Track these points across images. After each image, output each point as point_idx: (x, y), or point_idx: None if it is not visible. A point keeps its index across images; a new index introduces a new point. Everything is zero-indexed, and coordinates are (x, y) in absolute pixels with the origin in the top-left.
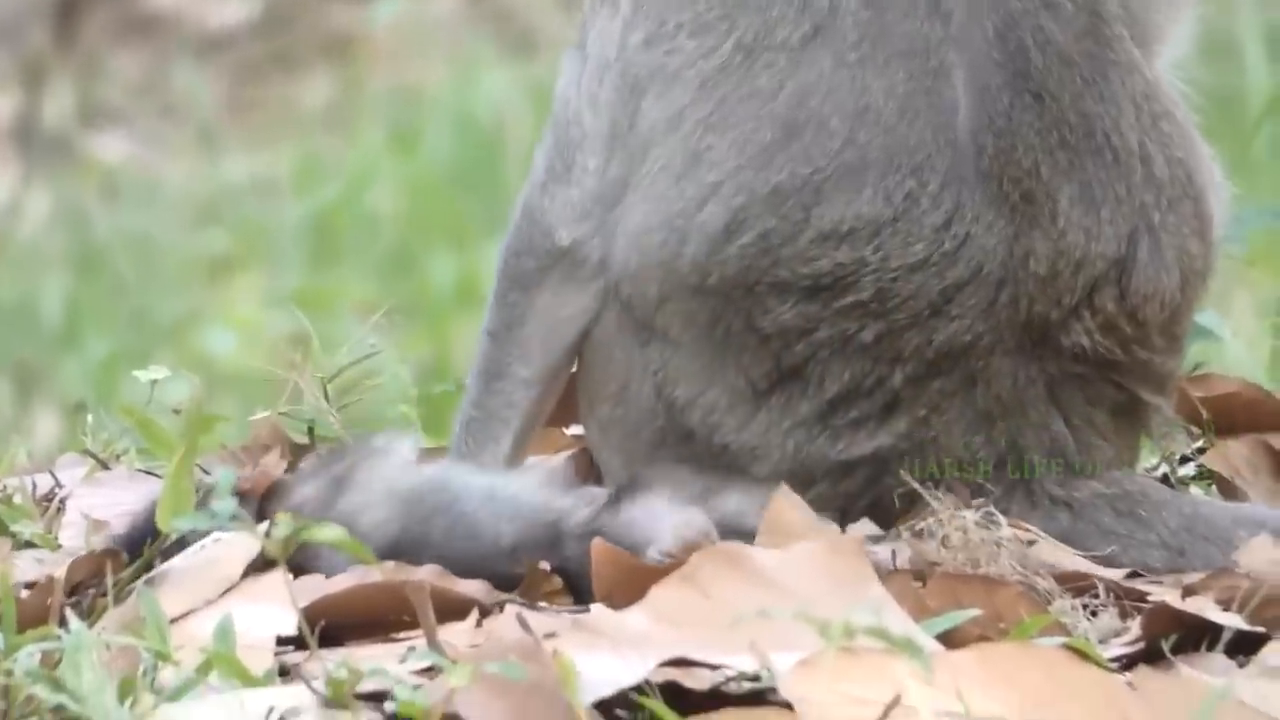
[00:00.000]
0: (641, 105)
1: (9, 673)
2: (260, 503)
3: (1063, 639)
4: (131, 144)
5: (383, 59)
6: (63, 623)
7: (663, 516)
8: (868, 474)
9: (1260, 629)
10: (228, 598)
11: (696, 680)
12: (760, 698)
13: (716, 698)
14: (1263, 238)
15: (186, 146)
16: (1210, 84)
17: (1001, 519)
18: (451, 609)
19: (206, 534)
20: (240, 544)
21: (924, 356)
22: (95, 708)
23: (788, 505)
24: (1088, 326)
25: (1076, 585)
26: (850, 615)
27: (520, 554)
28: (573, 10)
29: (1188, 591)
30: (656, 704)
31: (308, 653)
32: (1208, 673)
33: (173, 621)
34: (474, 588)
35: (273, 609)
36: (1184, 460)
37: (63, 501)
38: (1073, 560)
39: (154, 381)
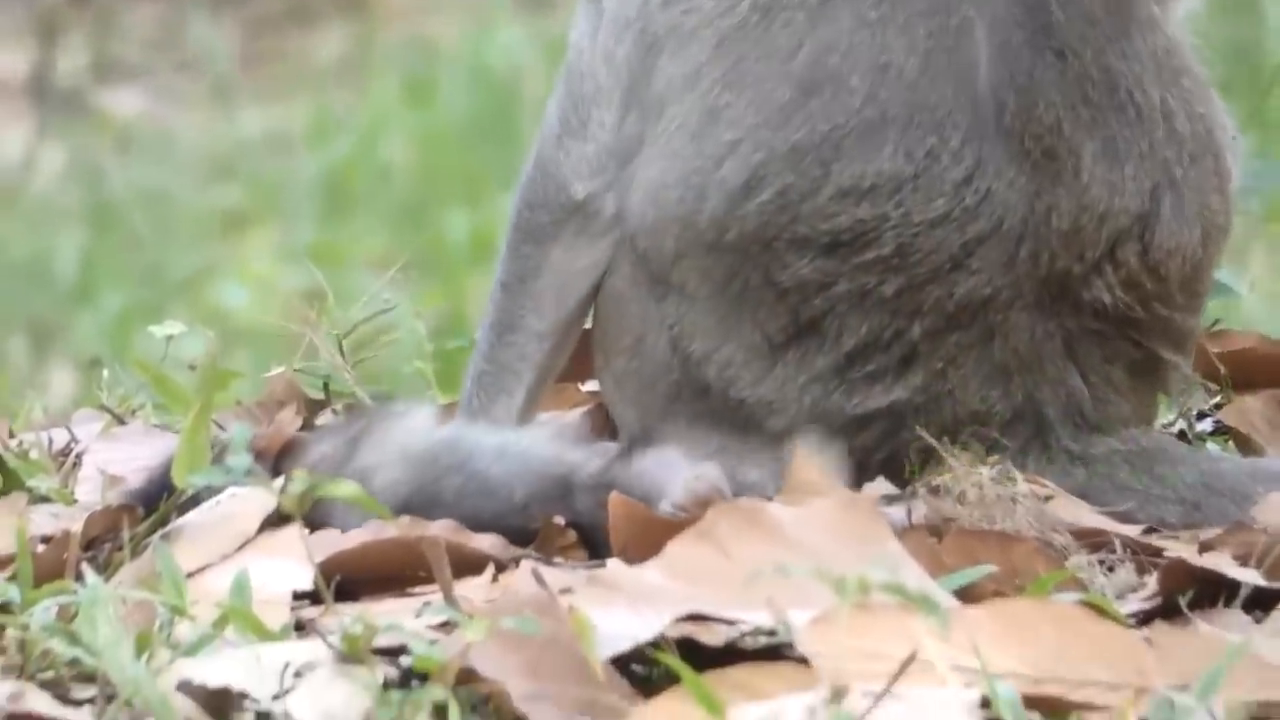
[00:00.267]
0: (658, 63)
1: (25, 627)
2: (276, 460)
3: (1079, 595)
4: (145, 99)
5: (397, 12)
6: (79, 577)
7: (676, 469)
8: (884, 428)
9: (1277, 585)
10: (243, 553)
11: (712, 635)
12: (776, 653)
13: (732, 653)
14: None
15: (200, 101)
16: (1227, 38)
17: (1018, 475)
18: (467, 564)
19: (222, 489)
20: (256, 499)
21: (943, 310)
22: (111, 662)
23: (807, 463)
24: (1109, 282)
25: (1093, 541)
26: (866, 571)
27: (533, 508)
28: None
29: (1204, 547)
30: (672, 659)
31: (323, 608)
32: (1224, 628)
33: (189, 576)
34: (489, 543)
35: (288, 564)
36: (1201, 416)
37: (79, 457)
38: (1089, 516)
39: (169, 337)
